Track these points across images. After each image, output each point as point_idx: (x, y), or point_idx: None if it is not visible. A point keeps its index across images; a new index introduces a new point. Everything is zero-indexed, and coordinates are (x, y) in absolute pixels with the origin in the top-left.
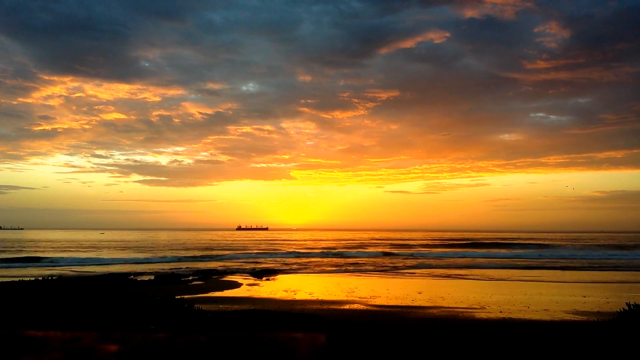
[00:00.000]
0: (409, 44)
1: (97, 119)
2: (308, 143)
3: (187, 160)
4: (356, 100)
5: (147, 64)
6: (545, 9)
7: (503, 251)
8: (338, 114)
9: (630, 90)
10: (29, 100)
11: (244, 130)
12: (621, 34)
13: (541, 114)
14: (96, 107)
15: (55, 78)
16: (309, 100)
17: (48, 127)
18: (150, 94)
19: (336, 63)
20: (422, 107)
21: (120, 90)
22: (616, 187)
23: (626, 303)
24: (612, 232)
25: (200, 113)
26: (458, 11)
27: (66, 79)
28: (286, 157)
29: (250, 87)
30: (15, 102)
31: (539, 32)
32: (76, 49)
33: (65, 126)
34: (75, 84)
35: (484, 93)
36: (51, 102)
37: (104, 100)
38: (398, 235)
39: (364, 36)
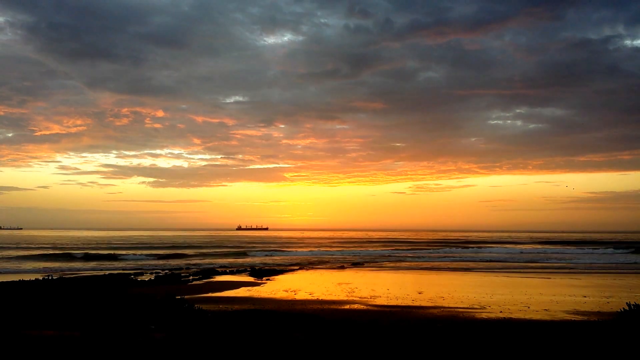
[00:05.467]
0: (387, 67)
1: (101, 122)
2: (301, 147)
3: (188, 163)
4: (348, 110)
5: (152, 80)
6: (504, 42)
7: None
8: (332, 122)
9: (603, 102)
10: (34, 105)
11: (242, 136)
12: (580, 60)
13: (519, 122)
14: (100, 112)
15: (65, 87)
16: (304, 110)
17: (47, 132)
18: (153, 103)
19: (326, 81)
20: (407, 116)
21: (124, 98)
22: (605, 189)
23: (626, 303)
24: (609, 232)
25: (203, 121)
26: (428, 42)
27: (75, 87)
28: (282, 160)
29: (247, 98)
30: (18, 107)
31: (504, 59)
32: (93, 67)
33: (66, 131)
34: (85, 94)
35: (463, 104)
36: (55, 108)
37: (108, 106)
38: (398, 234)
39: (351, 61)
